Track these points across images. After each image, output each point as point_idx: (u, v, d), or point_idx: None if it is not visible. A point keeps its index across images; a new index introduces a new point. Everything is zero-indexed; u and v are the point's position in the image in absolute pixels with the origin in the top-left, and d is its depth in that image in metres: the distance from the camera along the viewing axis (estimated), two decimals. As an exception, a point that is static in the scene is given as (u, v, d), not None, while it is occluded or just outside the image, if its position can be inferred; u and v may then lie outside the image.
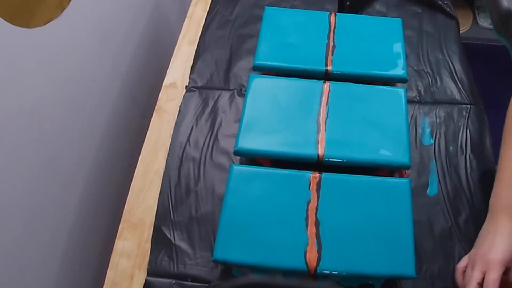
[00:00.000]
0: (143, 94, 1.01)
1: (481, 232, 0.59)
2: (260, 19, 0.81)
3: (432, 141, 0.74)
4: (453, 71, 0.83)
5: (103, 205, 0.86)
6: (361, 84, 0.72)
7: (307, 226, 0.58)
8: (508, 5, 0.38)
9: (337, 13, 0.81)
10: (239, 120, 0.68)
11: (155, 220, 0.67)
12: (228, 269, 0.62)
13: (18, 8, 0.54)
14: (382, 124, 0.67)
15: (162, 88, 0.82)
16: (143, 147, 0.75)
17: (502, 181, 0.58)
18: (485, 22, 1.66)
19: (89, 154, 0.79)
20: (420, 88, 0.81)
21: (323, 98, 0.70)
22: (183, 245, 0.64)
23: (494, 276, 0.53)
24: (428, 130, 0.75)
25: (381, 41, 0.77)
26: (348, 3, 0.90)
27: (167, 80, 0.84)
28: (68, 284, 0.74)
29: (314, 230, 0.58)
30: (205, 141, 0.74)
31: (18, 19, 0.54)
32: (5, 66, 0.53)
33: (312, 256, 0.56)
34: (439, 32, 0.89)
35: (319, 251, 0.56)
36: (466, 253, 0.63)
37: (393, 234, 0.58)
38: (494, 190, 0.59)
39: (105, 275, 0.63)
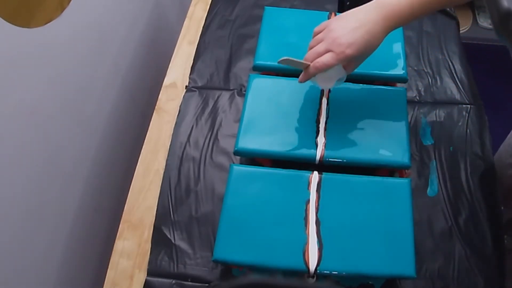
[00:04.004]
0: (143, 94, 1.01)
1: (354, 10, 0.59)
2: (260, 19, 0.81)
3: (432, 141, 0.74)
4: (453, 71, 0.83)
5: (103, 205, 0.86)
6: (361, 84, 0.72)
7: (306, 226, 0.58)
8: (508, 5, 0.38)
9: (337, 13, 0.81)
10: (239, 120, 0.68)
11: (155, 220, 0.67)
12: (228, 269, 0.62)
13: (18, 8, 0.54)
14: (382, 124, 0.67)
15: (162, 88, 0.82)
16: (143, 147, 0.75)
17: None
18: (485, 22, 1.66)
19: (89, 153, 0.79)
20: (420, 88, 0.81)
21: (323, 98, 0.70)
22: (183, 245, 0.64)
23: (330, 63, 0.56)
24: (428, 130, 0.75)
25: (381, 41, 0.77)
26: (348, 3, 0.90)
27: (167, 80, 0.84)
28: (68, 284, 0.74)
29: (314, 230, 0.58)
30: (205, 141, 0.74)
31: (18, 19, 0.54)
32: (5, 66, 0.53)
33: (312, 256, 0.56)
34: (439, 32, 0.89)
35: (319, 251, 0.56)
36: (466, 253, 0.63)
37: (393, 234, 0.58)
38: None
39: (105, 275, 0.63)
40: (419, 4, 0.57)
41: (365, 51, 0.57)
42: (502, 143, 0.80)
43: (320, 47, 0.58)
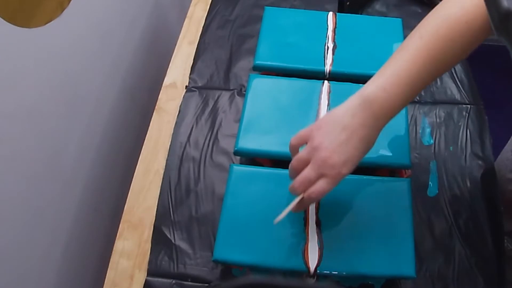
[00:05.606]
0: (143, 94, 1.01)
1: (336, 112, 0.50)
2: (260, 19, 0.81)
3: (432, 141, 0.74)
4: (453, 71, 0.83)
5: (103, 205, 0.86)
6: (361, 84, 0.71)
7: (306, 226, 0.58)
8: (508, 5, 0.38)
9: (337, 13, 0.81)
10: (239, 120, 0.68)
11: (155, 220, 0.67)
12: (228, 269, 0.62)
13: (18, 8, 0.54)
14: (382, 124, 0.67)
15: (162, 88, 0.82)
16: (143, 147, 0.75)
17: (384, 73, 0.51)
18: (485, 22, 1.65)
19: (89, 154, 0.79)
20: (420, 88, 0.81)
21: (323, 98, 0.70)
22: (183, 245, 0.64)
23: (327, 189, 0.48)
24: (428, 130, 0.75)
25: (381, 41, 0.77)
26: (348, 3, 0.90)
27: (167, 80, 0.84)
28: (68, 284, 0.74)
29: (314, 230, 0.58)
30: (205, 141, 0.74)
31: (18, 19, 0.54)
32: (5, 66, 0.53)
33: (312, 256, 0.56)
34: (439, 32, 0.89)
35: (320, 251, 0.56)
36: (466, 253, 0.63)
37: (393, 234, 0.58)
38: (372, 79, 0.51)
39: (105, 275, 0.63)
40: (411, 88, 0.49)
41: (362, 158, 0.51)
42: (499, 154, 0.78)
43: (310, 173, 0.49)
